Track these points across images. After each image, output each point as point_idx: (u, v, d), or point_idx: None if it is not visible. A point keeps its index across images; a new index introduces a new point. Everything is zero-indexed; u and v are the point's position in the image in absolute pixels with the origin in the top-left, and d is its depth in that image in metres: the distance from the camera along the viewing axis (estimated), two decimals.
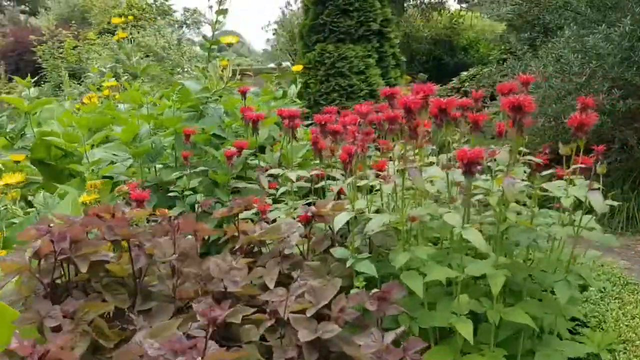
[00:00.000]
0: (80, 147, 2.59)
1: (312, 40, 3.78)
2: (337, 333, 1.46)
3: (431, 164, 1.76)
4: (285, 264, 1.77)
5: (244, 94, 2.46)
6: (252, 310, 1.58)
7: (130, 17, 5.21)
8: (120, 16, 16.27)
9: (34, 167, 2.81)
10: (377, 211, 1.78)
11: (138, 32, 13.36)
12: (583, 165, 1.59)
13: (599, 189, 1.48)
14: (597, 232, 1.55)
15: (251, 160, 2.49)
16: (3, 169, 2.76)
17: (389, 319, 1.64)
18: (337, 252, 1.73)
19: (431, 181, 1.63)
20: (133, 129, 2.45)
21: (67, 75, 6.51)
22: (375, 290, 1.54)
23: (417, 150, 1.74)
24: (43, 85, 11.65)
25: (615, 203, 1.53)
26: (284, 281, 1.75)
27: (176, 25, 16.64)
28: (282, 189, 2.14)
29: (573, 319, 1.99)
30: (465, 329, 1.51)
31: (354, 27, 3.66)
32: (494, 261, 1.60)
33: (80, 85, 10.13)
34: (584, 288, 2.31)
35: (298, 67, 3.40)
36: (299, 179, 2.10)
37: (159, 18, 15.53)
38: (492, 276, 1.56)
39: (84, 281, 1.34)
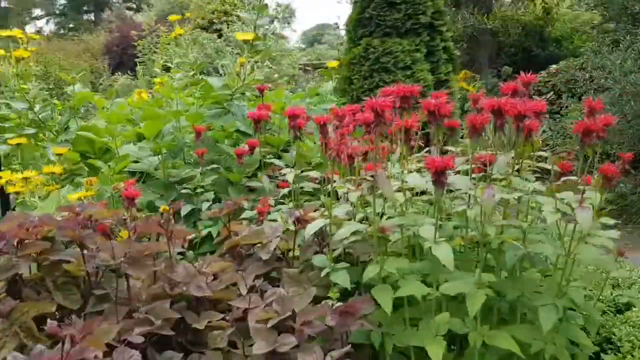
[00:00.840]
0: (112, 143, 2.67)
1: (357, 35, 3.67)
2: (294, 346, 1.39)
3: (420, 170, 1.63)
4: (264, 270, 1.72)
5: (261, 91, 2.42)
6: (220, 316, 1.55)
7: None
8: (213, 12, 16.80)
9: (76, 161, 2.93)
10: (365, 218, 1.68)
11: (227, 27, 13.77)
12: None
13: (590, 206, 1.30)
14: (593, 250, 1.36)
15: (269, 159, 2.45)
16: (54, 159, 2.90)
17: (363, 333, 1.54)
18: (317, 259, 1.66)
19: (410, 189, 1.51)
20: (156, 125, 2.49)
21: (141, 69, 6.79)
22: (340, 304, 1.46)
23: (404, 154, 1.63)
24: (140, 78, 12.30)
25: (615, 234, 1.34)
26: (265, 288, 1.70)
27: (268, 20, 16.91)
28: (285, 190, 2.09)
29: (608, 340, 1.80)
30: (435, 350, 1.39)
31: (401, 21, 3.51)
32: (476, 279, 1.45)
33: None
34: (627, 307, 2.07)
35: (333, 64, 3.32)
36: (300, 180, 2.04)
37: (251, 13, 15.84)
38: (470, 295, 1.42)
39: (39, 280, 1.36)
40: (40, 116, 2.92)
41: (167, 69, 5.51)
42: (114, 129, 2.61)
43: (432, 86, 3.49)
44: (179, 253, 1.93)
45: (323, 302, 1.52)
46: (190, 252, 2.19)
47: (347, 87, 3.61)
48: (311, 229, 1.56)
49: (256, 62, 3.32)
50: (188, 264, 1.58)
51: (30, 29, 32.81)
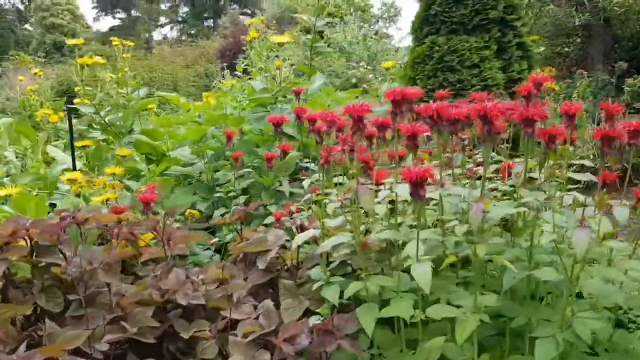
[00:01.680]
0: (164, 145, 2.75)
1: (423, 33, 3.52)
2: None
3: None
4: (264, 279, 1.67)
5: (297, 94, 2.37)
6: (207, 326, 1.52)
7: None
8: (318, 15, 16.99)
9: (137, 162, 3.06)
10: (368, 231, 1.58)
11: (329, 28, 13.86)
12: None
13: (591, 226, 1.11)
14: (598, 283, 1.17)
15: (306, 163, 2.40)
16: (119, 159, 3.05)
17: (349, 356, 1.44)
18: (313, 272, 1.58)
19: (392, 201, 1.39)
20: (200, 129, 2.52)
21: (228, 72, 6.98)
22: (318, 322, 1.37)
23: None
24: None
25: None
26: (264, 297, 1.65)
27: (373, 20, 16.93)
28: (306, 197, 2.02)
29: None
30: None
31: (468, 17, 3.31)
32: (472, 302, 1.31)
33: None
34: None
35: (388, 64, 3.17)
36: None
37: (353, 14, 15.87)
38: (460, 321, 1.28)
39: (26, 282, 1.41)
40: (106, 120, 3.08)
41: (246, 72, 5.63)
42: (165, 133, 2.68)
43: (502, 85, 3.25)
44: (181, 255, 1.94)
45: (303, 319, 1.44)
46: (217, 255, 2.20)
47: (410, 87, 3.46)
48: (300, 239, 1.49)
49: (312, 61, 3.28)
50: (181, 270, 1.57)
51: (157, 35, 35.23)
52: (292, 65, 3.31)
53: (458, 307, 1.34)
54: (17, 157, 4.73)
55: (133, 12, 35.70)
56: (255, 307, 1.57)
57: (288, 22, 18.83)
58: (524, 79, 3.42)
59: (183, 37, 29.26)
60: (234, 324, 1.54)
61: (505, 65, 3.36)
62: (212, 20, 30.80)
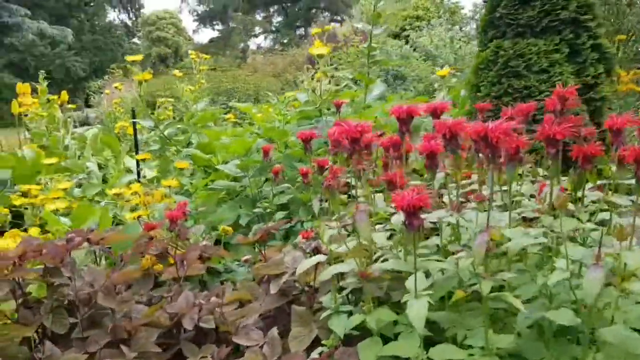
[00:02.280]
0: (214, 159, 2.77)
1: (488, 37, 3.32)
2: None
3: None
4: (278, 303, 1.60)
5: (338, 107, 2.29)
6: (210, 351, 1.48)
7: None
8: (405, 19, 16.76)
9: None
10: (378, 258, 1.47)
11: (415, 32, 13.62)
12: None
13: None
14: (617, 330, 1.00)
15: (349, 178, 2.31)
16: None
17: None
18: (325, 299, 1.49)
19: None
20: (245, 142, 2.51)
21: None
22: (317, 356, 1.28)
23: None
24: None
25: None
26: (281, 321, 1.59)
27: (463, 22, 16.42)
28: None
29: None
30: None
31: (536, 18, 3.08)
32: (483, 344, 1.17)
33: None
34: None
35: (443, 72, 2.99)
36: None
37: (442, 16, 15.47)
38: None
39: (36, 303, 1.44)
40: (165, 133, 3.16)
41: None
42: (216, 146, 2.70)
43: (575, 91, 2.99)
44: (216, 272, 1.92)
45: (301, 353, 1.36)
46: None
47: (473, 95, 3.29)
48: (301, 267, 1.41)
49: (370, 69, 3.18)
50: (190, 293, 1.54)
51: (253, 45, 36.34)
52: (349, 78, 3.24)
53: (469, 347, 1.21)
54: (100, 168, 5.00)
55: (231, 24, 37.08)
56: (265, 335, 1.51)
57: (376, 28, 18.72)
58: (600, 83, 3.14)
59: (276, 46, 29.97)
60: (243, 349, 1.49)
61: (578, 70, 3.09)
62: (303, 29, 31.33)
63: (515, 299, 1.08)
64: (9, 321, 1.42)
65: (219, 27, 36.72)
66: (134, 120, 3.29)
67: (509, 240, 1.18)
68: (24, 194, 2.95)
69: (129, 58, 3.06)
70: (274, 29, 34.02)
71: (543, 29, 3.09)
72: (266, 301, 1.62)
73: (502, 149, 1.11)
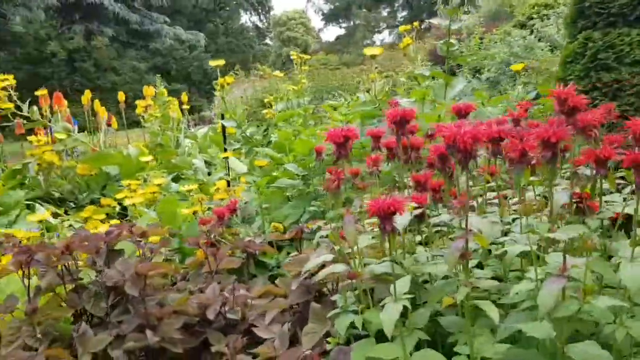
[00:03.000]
0: (285, 158, 2.88)
1: (576, 28, 3.12)
2: None
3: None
4: (304, 299, 1.66)
5: (394, 106, 2.28)
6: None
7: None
8: (533, 6, 15.90)
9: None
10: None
11: (542, 21, 12.85)
12: None
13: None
14: (584, 348, 0.93)
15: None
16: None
17: None
18: (337, 296, 1.52)
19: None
20: (306, 142, 2.58)
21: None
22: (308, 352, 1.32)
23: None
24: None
25: None
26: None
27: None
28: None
29: None
30: None
31: (629, 6, 2.85)
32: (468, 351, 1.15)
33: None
34: None
35: (517, 67, 2.79)
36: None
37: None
38: None
39: (84, 288, 1.62)
40: (247, 133, 3.32)
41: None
42: (283, 145, 2.81)
43: None
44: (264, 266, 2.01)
45: (296, 348, 1.40)
46: None
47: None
48: (307, 266, 1.46)
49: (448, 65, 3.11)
50: (217, 285, 1.65)
51: (377, 41, 36.39)
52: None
53: (457, 354, 1.19)
54: (210, 165, 5.35)
55: (356, 21, 37.41)
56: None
57: (504, 18, 17.92)
58: None
59: (396, 42, 29.73)
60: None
61: None
62: (428, 22, 30.69)
63: (492, 308, 1.05)
64: (63, 304, 1.61)
65: (344, 24, 37.22)
66: (222, 120, 3.49)
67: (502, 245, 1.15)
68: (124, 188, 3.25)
69: (212, 63, 3.26)
70: (397, 23, 33.79)
71: (637, 18, 2.84)
72: (291, 297, 1.69)
73: (473, 153, 1.07)
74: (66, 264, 1.57)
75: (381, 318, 1.12)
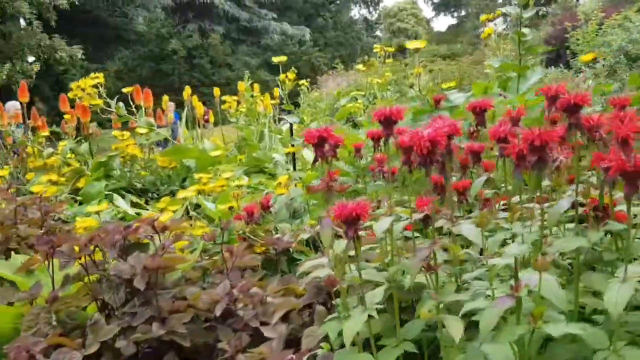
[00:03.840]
0: (340, 152, 2.85)
1: None
2: None
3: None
4: (311, 300, 1.63)
5: (437, 102, 2.16)
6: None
7: None
8: None
9: None
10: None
11: None
12: None
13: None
14: None
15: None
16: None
17: None
18: (339, 300, 1.48)
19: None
20: (356, 137, 2.53)
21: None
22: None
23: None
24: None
25: None
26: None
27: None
28: None
29: None
30: None
31: None
32: None
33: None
34: None
35: (587, 57, 2.47)
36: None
37: None
38: None
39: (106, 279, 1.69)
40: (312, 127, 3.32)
41: None
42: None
43: None
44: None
45: (285, 352, 1.38)
46: None
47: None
48: (303, 268, 1.42)
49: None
50: (228, 283, 1.66)
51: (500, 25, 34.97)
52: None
53: None
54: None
55: (469, 9, 36.23)
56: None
57: (626, 1, 16.53)
58: None
59: (509, 29, 28.36)
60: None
61: None
62: (544, 8, 28.99)
63: (454, 324, 0.96)
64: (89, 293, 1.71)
65: (456, 13, 36.15)
66: (286, 116, 3.52)
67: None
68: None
69: (276, 59, 3.29)
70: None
71: None
72: (305, 296, 1.67)
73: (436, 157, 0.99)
74: (91, 256, 1.66)
75: (343, 328, 1.07)
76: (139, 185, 3.88)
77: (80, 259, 1.62)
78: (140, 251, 1.76)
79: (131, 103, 4.50)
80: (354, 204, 1.05)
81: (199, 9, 26.56)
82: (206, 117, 7.21)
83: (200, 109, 6.46)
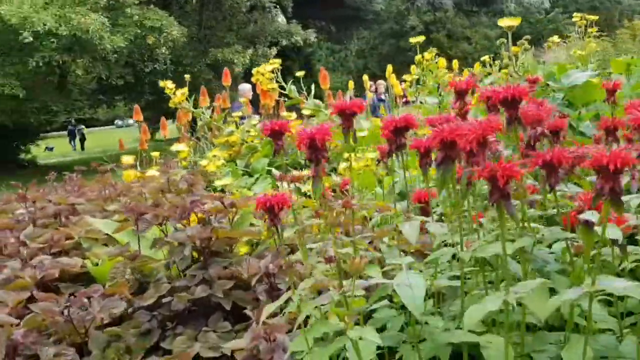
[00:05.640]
0: None
1: None
2: None
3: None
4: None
5: (533, 83, 1.94)
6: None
7: None
8: None
9: None
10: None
11: None
12: None
13: None
14: None
15: None
16: None
17: None
18: None
19: None
20: None
21: None
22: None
23: None
24: None
25: None
26: None
27: None
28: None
29: None
30: None
31: None
32: None
33: None
34: None
35: None
36: None
37: None
38: None
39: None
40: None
41: None
42: None
43: None
44: None
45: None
46: None
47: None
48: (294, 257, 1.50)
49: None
50: (269, 259, 1.81)
51: None
52: None
53: None
54: None
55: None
56: None
57: None
58: None
59: None
60: None
61: None
62: None
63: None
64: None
65: None
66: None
67: None
68: None
69: (413, 40, 3.24)
70: None
71: None
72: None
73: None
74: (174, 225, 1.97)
75: None
76: (303, 162, 4.20)
77: (160, 225, 1.93)
78: None
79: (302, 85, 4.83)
80: (276, 195, 1.12)
81: None
82: (405, 98, 7.26)
83: (397, 87, 6.57)
